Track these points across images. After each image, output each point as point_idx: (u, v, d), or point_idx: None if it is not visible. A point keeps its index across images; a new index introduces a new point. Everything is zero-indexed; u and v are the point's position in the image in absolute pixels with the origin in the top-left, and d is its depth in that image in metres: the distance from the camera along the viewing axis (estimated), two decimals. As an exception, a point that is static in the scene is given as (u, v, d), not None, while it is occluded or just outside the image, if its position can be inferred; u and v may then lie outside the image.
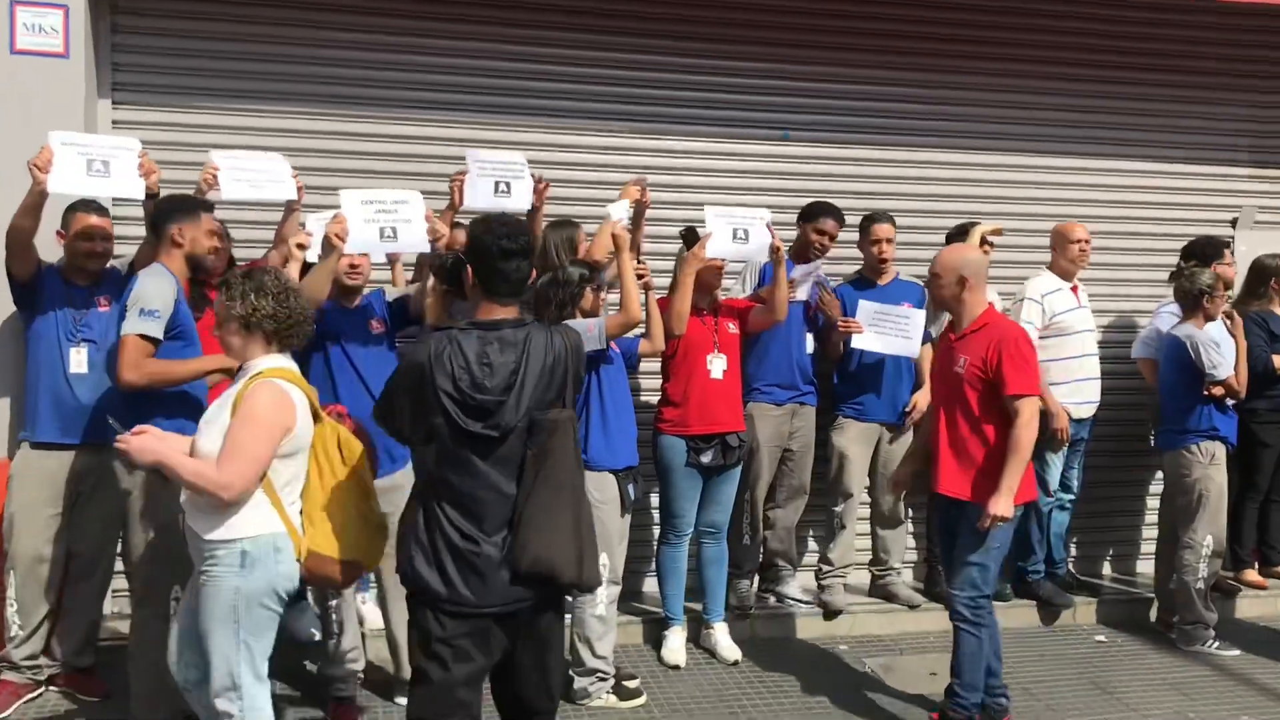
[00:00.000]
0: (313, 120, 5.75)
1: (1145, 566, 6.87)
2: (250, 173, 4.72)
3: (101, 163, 4.37)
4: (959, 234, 6.13)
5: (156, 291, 4.11)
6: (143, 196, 4.45)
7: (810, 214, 5.84)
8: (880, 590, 6.26)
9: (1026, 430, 4.40)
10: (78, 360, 4.60)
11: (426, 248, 4.54)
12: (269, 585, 3.33)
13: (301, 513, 3.45)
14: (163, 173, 4.57)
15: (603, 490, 4.84)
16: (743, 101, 6.31)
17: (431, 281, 4.50)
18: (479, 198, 4.94)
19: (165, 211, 4.30)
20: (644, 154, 6.17)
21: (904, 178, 6.59)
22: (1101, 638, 6.16)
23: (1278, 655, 5.88)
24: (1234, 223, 7.12)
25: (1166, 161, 6.95)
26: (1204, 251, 6.36)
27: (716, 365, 5.40)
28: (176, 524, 3.74)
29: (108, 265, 4.75)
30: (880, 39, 6.47)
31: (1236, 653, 5.89)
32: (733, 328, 5.49)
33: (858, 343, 5.83)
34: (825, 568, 6.12)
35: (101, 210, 4.71)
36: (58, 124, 4.61)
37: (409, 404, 3.13)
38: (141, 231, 4.76)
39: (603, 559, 4.74)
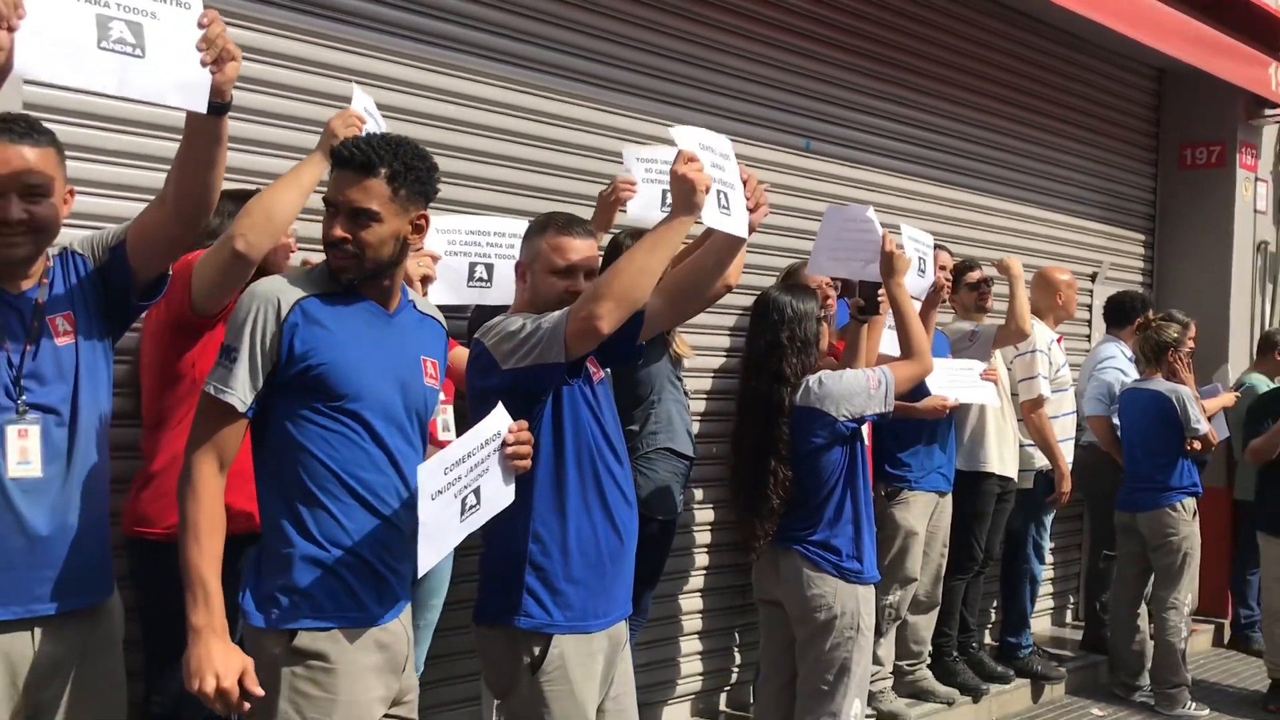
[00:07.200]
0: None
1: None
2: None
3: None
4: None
5: None
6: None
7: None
8: (909, 688, 5.31)
9: None
10: (19, 450, 2.23)
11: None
12: None
13: None
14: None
15: (868, 615, 3.48)
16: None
17: None
18: (647, 207, 3.62)
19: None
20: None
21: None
22: (1098, 711, 5.80)
23: (1238, 712, 5.90)
24: (1093, 277, 7.25)
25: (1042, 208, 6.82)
26: (1132, 307, 6.33)
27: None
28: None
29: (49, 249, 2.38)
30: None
31: (1208, 713, 5.81)
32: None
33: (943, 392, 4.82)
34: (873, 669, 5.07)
35: (28, 135, 2.26)
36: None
37: None
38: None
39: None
